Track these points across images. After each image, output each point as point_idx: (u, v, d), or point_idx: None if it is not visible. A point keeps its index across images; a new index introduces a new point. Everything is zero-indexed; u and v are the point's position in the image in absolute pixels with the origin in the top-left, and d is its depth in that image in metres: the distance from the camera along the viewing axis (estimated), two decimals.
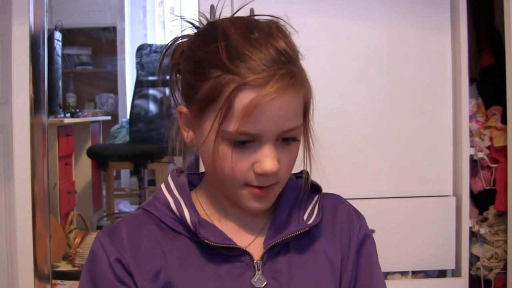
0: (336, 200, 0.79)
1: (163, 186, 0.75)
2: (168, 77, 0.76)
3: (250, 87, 0.62)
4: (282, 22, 0.69)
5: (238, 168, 0.65)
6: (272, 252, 0.70)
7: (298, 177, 0.78)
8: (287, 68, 0.63)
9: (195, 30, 0.73)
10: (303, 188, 0.76)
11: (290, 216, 0.73)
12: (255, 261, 0.69)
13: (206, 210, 0.74)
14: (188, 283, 0.67)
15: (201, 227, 0.69)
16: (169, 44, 0.75)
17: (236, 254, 0.69)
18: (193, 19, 0.73)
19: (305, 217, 0.73)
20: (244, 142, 0.64)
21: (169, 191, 0.73)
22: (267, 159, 0.64)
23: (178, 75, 0.74)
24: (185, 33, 0.74)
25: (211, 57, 0.64)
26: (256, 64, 0.62)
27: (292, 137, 0.67)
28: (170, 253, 0.69)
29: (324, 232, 0.74)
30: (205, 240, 0.68)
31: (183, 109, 0.70)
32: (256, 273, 0.69)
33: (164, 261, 0.69)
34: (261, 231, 0.73)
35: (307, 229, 0.71)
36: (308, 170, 0.74)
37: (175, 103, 0.74)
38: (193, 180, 0.79)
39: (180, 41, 0.74)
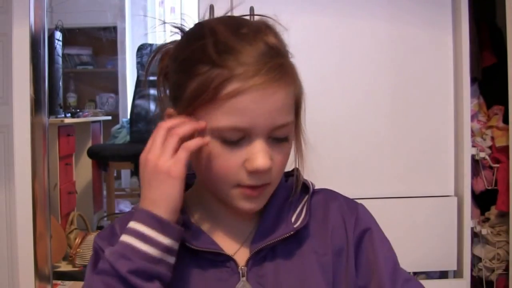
0: (328, 196, 0.76)
1: None
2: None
3: (238, 80, 0.60)
4: (271, 21, 0.67)
5: (229, 166, 0.64)
6: (258, 257, 0.69)
7: (288, 175, 0.75)
8: (276, 61, 0.62)
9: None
10: (294, 188, 0.73)
11: (279, 219, 0.71)
12: (239, 267, 0.68)
13: (195, 214, 0.73)
14: (174, 283, 0.66)
15: (187, 230, 0.67)
16: (156, 50, 0.73)
17: (222, 259, 0.68)
18: (183, 24, 0.72)
19: (293, 219, 0.71)
20: (236, 139, 0.63)
21: None
22: (259, 156, 0.63)
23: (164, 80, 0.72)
24: (172, 38, 0.72)
25: (198, 54, 0.62)
26: (245, 57, 0.61)
27: (283, 137, 0.65)
28: None
29: (314, 232, 0.72)
30: (186, 244, 0.66)
31: (171, 111, 0.68)
32: (241, 280, 0.67)
33: None
34: (249, 235, 0.72)
35: (292, 232, 0.69)
36: (300, 169, 0.72)
37: (161, 108, 0.73)
38: (189, 179, 0.77)
39: (167, 47, 0.72)
